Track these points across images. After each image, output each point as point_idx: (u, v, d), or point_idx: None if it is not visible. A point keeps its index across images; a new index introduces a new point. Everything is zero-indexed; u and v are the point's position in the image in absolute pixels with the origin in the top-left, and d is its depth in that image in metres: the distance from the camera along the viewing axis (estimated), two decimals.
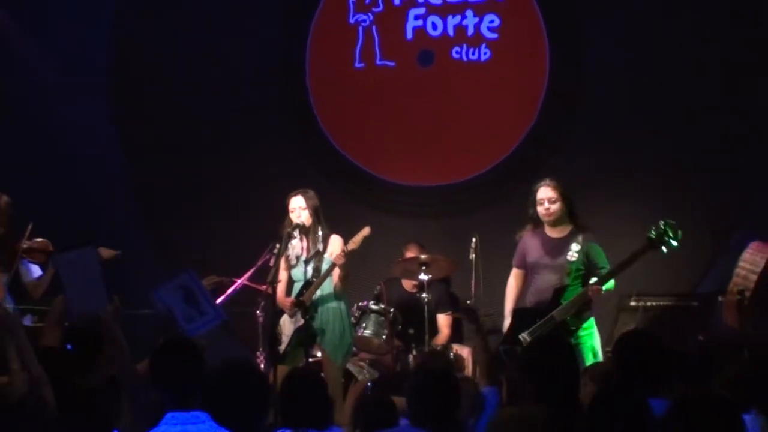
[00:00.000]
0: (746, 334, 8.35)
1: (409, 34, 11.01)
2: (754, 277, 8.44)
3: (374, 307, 9.39)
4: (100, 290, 6.49)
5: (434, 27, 10.94)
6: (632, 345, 5.59)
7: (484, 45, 10.87)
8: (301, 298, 8.73)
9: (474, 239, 9.15)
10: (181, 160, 11.10)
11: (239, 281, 9.16)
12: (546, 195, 8.39)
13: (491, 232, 9.79)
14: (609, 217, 9.64)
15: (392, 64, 11.04)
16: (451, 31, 10.92)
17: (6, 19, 10.94)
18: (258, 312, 9.29)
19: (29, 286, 8.73)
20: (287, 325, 8.85)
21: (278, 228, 8.91)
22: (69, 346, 5.92)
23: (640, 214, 9.75)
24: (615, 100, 10.57)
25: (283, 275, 8.93)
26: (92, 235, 9.67)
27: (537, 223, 8.50)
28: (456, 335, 10.04)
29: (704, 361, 7.81)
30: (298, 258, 8.94)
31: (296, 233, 8.85)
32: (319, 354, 8.96)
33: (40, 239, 8.71)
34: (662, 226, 7.98)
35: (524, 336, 8.09)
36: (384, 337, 9.33)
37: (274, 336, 8.73)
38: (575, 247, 8.30)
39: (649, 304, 9.41)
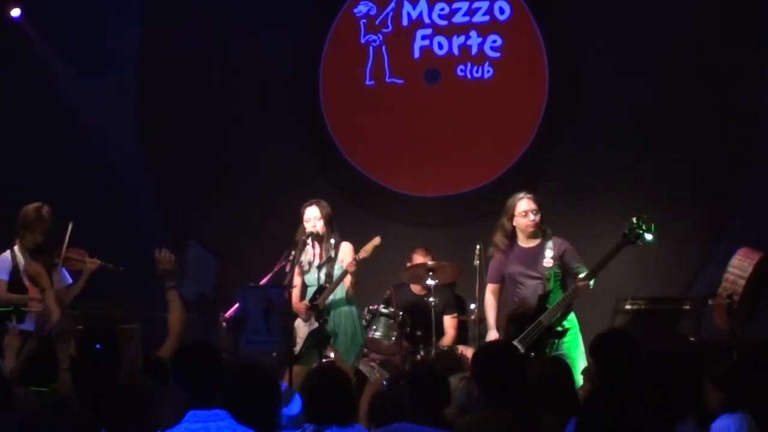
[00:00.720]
0: (735, 336, 8.46)
1: (417, 54, 11.16)
2: (743, 282, 8.56)
3: (384, 310, 9.57)
4: (199, 290, 6.68)
5: (440, 47, 11.10)
6: (606, 344, 5.67)
7: (487, 63, 11.01)
8: (315, 303, 8.84)
9: (478, 246, 9.20)
10: (200, 173, 11.28)
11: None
12: (530, 207, 8.62)
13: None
14: (604, 227, 9.63)
15: (401, 81, 11.19)
16: (456, 51, 11.07)
17: (31, 26, 11.15)
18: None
19: (60, 292, 8.67)
20: (302, 328, 8.95)
21: (293, 236, 9.04)
22: (98, 346, 5.97)
23: None
24: (610, 116, 10.66)
25: (297, 280, 9.00)
26: (118, 237, 10.04)
27: (510, 235, 8.70)
28: (461, 337, 10.17)
29: (695, 362, 7.94)
30: (311, 264, 9.06)
31: (310, 241, 8.99)
32: (332, 355, 9.07)
33: (77, 249, 8.85)
34: (635, 221, 8.20)
35: (516, 343, 8.18)
36: (393, 338, 9.49)
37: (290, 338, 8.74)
38: (549, 253, 8.53)
39: (643, 307, 9.51)
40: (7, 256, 8.89)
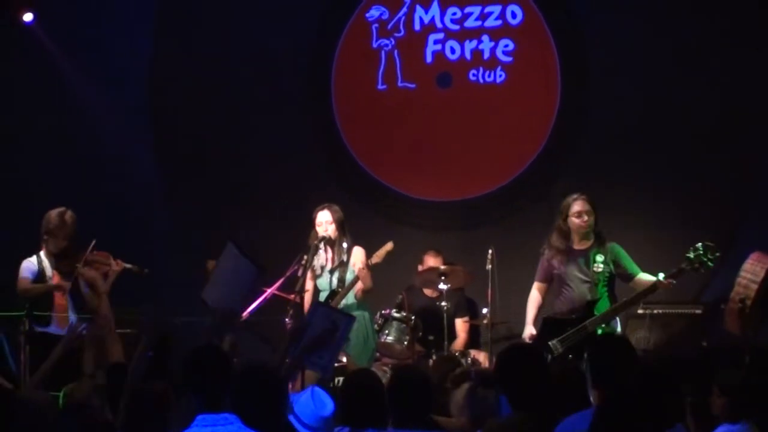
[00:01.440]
0: (747, 340, 8.49)
1: (429, 58, 11.13)
2: (755, 287, 8.63)
3: (396, 314, 9.56)
4: (234, 301, 6.78)
5: (452, 51, 11.06)
6: (603, 350, 5.58)
7: (499, 68, 10.98)
8: None
9: (490, 251, 9.34)
10: (213, 178, 11.28)
11: (269, 291, 9.06)
12: (584, 207, 8.74)
13: (506, 244, 10.03)
14: (617, 232, 9.49)
15: (413, 86, 11.16)
16: (468, 55, 11.03)
17: (43, 31, 11.16)
18: (287, 320, 9.14)
19: (87, 297, 8.78)
20: None
21: (306, 240, 9.11)
22: (149, 354, 5.99)
23: (647, 228, 10.11)
24: (622, 120, 10.63)
25: (309, 285, 9.07)
26: (129, 243, 10.10)
27: (564, 235, 8.82)
28: (473, 340, 10.25)
29: (707, 366, 7.67)
30: (323, 268, 9.16)
31: (322, 245, 9.07)
32: (344, 359, 9.06)
33: (101, 252, 8.89)
34: (700, 248, 8.39)
35: (555, 343, 8.39)
36: (405, 342, 9.50)
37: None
38: (600, 258, 8.66)
39: (655, 311, 9.50)
40: (33, 261, 9.01)
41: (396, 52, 11.21)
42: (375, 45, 11.25)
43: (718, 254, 8.45)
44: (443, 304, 9.59)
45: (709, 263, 8.42)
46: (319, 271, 9.21)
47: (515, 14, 11.03)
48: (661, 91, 10.63)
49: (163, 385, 5.24)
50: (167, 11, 11.50)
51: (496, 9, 11.04)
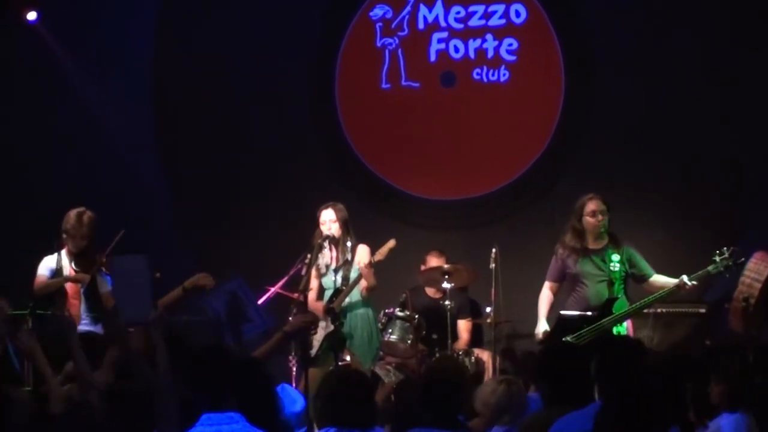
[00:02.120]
0: (751, 339, 8.48)
1: (433, 57, 11.13)
2: (759, 285, 8.66)
3: (400, 313, 9.56)
4: (145, 297, 6.61)
5: (456, 50, 11.07)
6: (611, 351, 5.57)
7: (503, 67, 10.98)
8: (331, 305, 8.90)
9: (494, 250, 9.39)
10: (216, 177, 11.29)
11: (273, 289, 9.28)
12: (598, 207, 8.80)
13: (510, 243, 10.06)
14: (620, 231, 9.34)
15: (417, 84, 11.17)
16: (472, 54, 11.03)
17: (47, 30, 11.17)
18: (290, 318, 8.95)
19: (104, 297, 8.84)
20: (318, 331, 8.91)
21: (310, 239, 9.13)
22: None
23: (650, 228, 10.09)
24: (626, 119, 10.64)
25: (314, 283, 9.11)
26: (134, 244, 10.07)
27: (579, 234, 8.86)
28: (476, 340, 10.25)
29: (710, 365, 7.96)
30: (327, 267, 9.15)
31: (326, 244, 9.07)
32: (348, 358, 9.02)
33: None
34: (726, 252, 8.49)
35: (569, 340, 8.40)
36: (409, 341, 9.50)
37: (306, 341, 8.57)
38: (615, 257, 8.70)
39: (659, 310, 9.43)
40: (52, 259, 9.05)
41: (400, 51, 11.22)
42: (379, 44, 11.26)
43: (743, 260, 8.56)
44: (446, 303, 9.58)
45: (735, 267, 8.50)
46: (323, 270, 9.20)
47: (519, 13, 11.03)
48: (665, 90, 10.64)
49: (142, 385, 5.28)
50: (170, 10, 11.50)
51: (500, 8, 11.05)
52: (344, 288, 9.03)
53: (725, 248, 8.54)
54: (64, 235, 9.00)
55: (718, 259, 8.51)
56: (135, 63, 11.43)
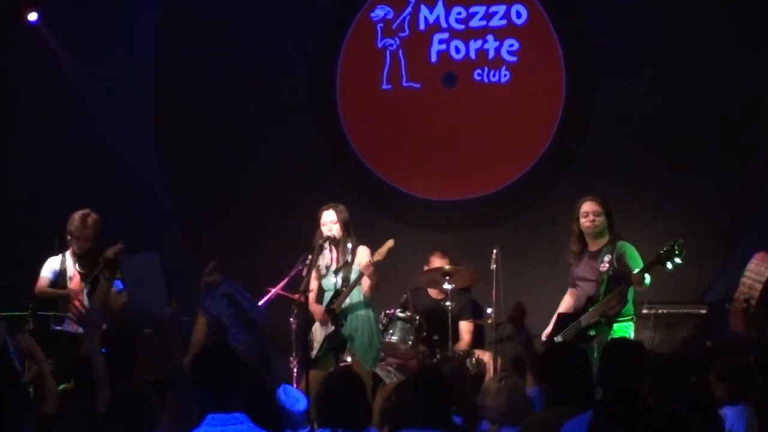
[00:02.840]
0: (752, 340, 8.48)
1: (434, 58, 11.13)
2: (759, 286, 8.61)
3: (401, 314, 9.56)
4: (159, 293, 6.58)
5: (457, 51, 11.07)
6: (617, 352, 5.67)
7: (504, 67, 10.97)
8: (331, 307, 8.88)
9: (495, 250, 9.38)
10: (217, 178, 11.31)
11: (273, 290, 9.23)
12: (591, 209, 8.77)
13: (511, 243, 10.08)
14: (621, 232, 9.20)
15: (418, 85, 11.16)
16: (473, 55, 11.02)
17: (48, 30, 11.18)
18: (291, 319, 9.34)
19: (111, 297, 8.61)
20: (318, 332, 9.00)
21: (310, 240, 9.09)
22: (104, 350, 5.91)
23: (651, 229, 10.02)
24: (627, 121, 10.63)
25: (314, 284, 9.07)
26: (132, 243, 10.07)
27: (578, 237, 8.85)
28: (477, 341, 10.23)
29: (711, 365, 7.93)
30: (327, 268, 9.12)
31: (327, 245, 9.05)
32: (348, 359, 9.09)
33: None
34: (674, 246, 8.33)
35: (558, 338, 8.47)
36: (410, 342, 9.52)
37: (307, 342, 8.89)
38: (607, 258, 8.64)
39: (660, 311, 9.54)
40: (57, 259, 9.05)
41: (401, 51, 11.22)
42: (380, 45, 11.26)
43: (686, 251, 8.36)
44: (448, 304, 9.57)
45: (677, 259, 8.31)
46: (323, 271, 9.18)
47: (520, 14, 11.03)
48: (667, 90, 10.63)
49: (141, 385, 5.27)
50: (172, 10, 11.51)
51: (501, 8, 11.05)
52: (344, 289, 9.00)
53: (672, 241, 8.40)
54: (69, 237, 8.99)
55: (662, 250, 8.36)
56: (135, 63, 11.44)
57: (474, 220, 11.03)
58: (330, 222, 9.10)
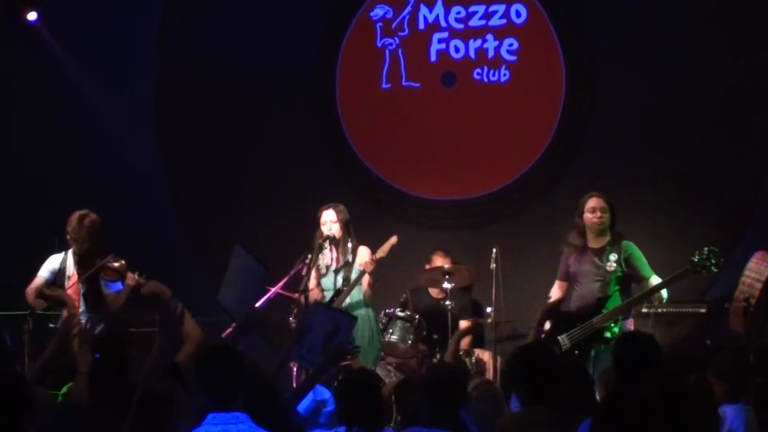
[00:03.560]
0: (752, 339, 8.41)
1: (433, 57, 11.14)
2: (759, 285, 8.58)
3: (401, 314, 9.55)
4: (247, 302, 6.82)
5: (457, 50, 11.08)
6: (630, 346, 5.72)
7: (503, 67, 10.99)
8: (331, 306, 8.78)
9: (495, 250, 9.36)
10: (218, 177, 11.33)
11: (273, 289, 9.11)
12: (598, 204, 8.77)
13: (511, 242, 10.08)
14: (621, 231, 9.23)
15: (417, 85, 11.18)
16: (472, 54, 11.04)
17: (47, 30, 11.20)
18: (291, 319, 9.24)
19: (108, 299, 8.91)
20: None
21: (311, 240, 9.14)
22: (97, 355, 5.80)
23: (651, 229, 10.06)
24: (627, 119, 10.66)
25: (313, 284, 9.09)
26: (133, 243, 10.10)
27: (581, 232, 8.85)
28: (477, 340, 10.21)
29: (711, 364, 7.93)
30: (328, 268, 9.16)
31: (327, 244, 9.07)
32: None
33: (119, 261, 8.79)
34: (706, 253, 8.38)
35: (563, 338, 8.42)
36: (410, 342, 9.51)
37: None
38: (613, 257, 8.67)
39: (660, 310, 9.41)
40: (58, 258, 9.06)
41: (400, 51, 11.24)
42: (379, 44, 11.28)
43: (722, 260, 8.48)
44: (448, 303, 9.57)
45: (713, 268, 8.45)
46: (324, 271, 9.21)
47: (519, 13, 11.04)
48: (666, 90, 10.64)
49: (169, 386, 5.26)
50: (172, 10, 11.51)
51: (501, 8, 11.06)
52: (344, 289, 9.02)
53: (705, 248, 8.47)
54: (68, 237, 9.00)
55: (696, 259, 8.44)
56: (136, 63, 11.46)
57: (474, 219, 11.06)
58: (330, 221, 9.13)
